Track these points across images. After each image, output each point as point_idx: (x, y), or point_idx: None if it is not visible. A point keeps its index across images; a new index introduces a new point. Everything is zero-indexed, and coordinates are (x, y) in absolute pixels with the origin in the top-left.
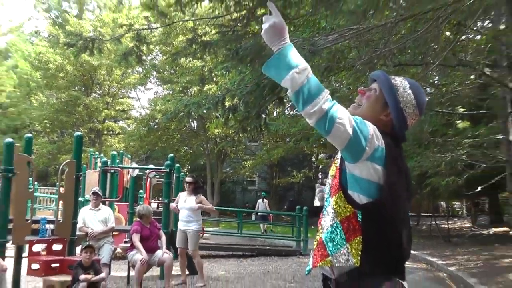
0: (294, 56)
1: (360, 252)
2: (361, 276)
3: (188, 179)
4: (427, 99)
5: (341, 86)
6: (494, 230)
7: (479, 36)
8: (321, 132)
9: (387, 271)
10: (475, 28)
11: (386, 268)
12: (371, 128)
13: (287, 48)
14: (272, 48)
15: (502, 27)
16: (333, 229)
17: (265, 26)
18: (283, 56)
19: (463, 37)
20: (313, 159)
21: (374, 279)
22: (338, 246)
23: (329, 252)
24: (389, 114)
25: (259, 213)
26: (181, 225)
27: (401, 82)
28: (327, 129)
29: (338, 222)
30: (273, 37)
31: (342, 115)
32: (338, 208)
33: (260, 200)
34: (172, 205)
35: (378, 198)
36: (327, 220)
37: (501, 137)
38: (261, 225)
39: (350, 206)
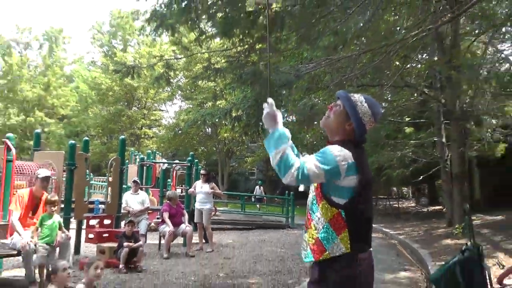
0: (278, 140)
1: (349, 241)
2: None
3: (202, 171)
4: (382, 111)
5: (319, 101)
6: (431, 208)
7: (419, 65)
8: (305, 184)
9: (363, 248)
10: (416, 59)
11: (366, 244)
12: (336, 154)
13: (274, 133)
14: (269, 130)
15: (435, 58)
16: (325, 230)
17: (264, 112)
18: (271, 138)
19: (408, 66)
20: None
21: (349, 255)
22: (331, 242)
23: (326, 248)
24: (351, 123)
25: (256, 197)
26: (197, 205)
27: (358, 98)
28: (306, 180)
29: (327, 223)
30: (269, 123)
31: (309, 166)
32: (325, 212)
33: (257, 187)
34: (191, 190)
35: (355, 197)
36: (319, 223)
37: (436, 139)
38: (257, 205)
39: (334, 208)
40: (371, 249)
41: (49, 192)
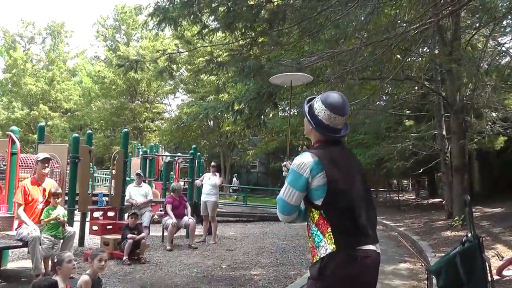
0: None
1: (333, 240)
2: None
3: (213, 163)
4: (384, 104)
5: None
6: (431, 200)
7: (420, 58)
8: (297, 210)
9: (353, 244)
10: (417, 52)
11: (352, 241)
12: (295, 168)
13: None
14: None
15: (436, 51)
16: (315, 233)
17: (286, 173)
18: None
19: (409, 59)
20: (299, 149)
21: (337, 253)
22: (319, 243)
23: (317, 250)
24: (312, 125)
25: (233, 188)
26: (203, 197)
27: (315, 100)
28: (292, 207)
29: (315, 226)
30: None
31: (281, 193)
32: (312, 216)
33: (234, 179)
34: (197, 181)
35: (329, 193)
36: (311, 228)
37: (436, 132)
38: (235, 196)
39: (316, 210)
40: (373, 247)
41: (52, 176)
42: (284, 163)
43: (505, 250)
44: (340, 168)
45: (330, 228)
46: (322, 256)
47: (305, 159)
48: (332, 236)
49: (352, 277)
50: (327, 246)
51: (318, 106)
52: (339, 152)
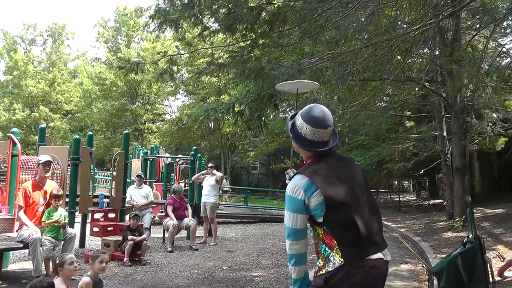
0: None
1: (340, 253)
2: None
3: (210, 164)
4: (384, 105)
5: (321, 95)
6: (432, 201)
7: (421, 59)
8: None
9: (359, 254)
10: (418, 53)
11: (358, 251)
12: (289, 193)
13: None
14: None
15: (437, 53)
16: (323, 249)
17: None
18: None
19: (410, 60)
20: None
21: (348, 265)
22: (327, 257)
23: (327, 264)
24: (296, 143)
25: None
26: (203, 199)
27: (297, 117)
28: (299, 231)
29: (322, 243)
30: None
31: (286, 222)
32: (317, 234)
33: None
34: (194, 177)
35: (328, 209)
36: (319, 246)
37: (437, 133)
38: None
39: (319, 228)
40: (380, 255)
41: (53, 178)
42: (288, 171)
43: (506, 251)
44: (334, 181)
45: (336, 242)
46: (329, 270)
47: (297, 182)
48: (338, 249)
49: (357, 286)
50: (335, 260)
51: (299, 123)
52: (331, 164)
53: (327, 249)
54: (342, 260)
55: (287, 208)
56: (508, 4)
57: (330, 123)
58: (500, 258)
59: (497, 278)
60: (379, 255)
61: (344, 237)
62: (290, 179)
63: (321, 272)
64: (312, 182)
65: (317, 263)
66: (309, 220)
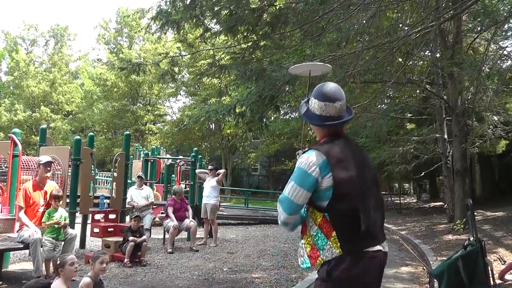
0: None
1: (338, 244)
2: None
3: (210, 166)
4: (385, 107)
5: None
6: (432, 204)
7: (422, 62)
8: (301, 210)
9: (359, 246)
10: (419, 56)
11: (358, 243)
12: (303, 166)
13: None
14: None
15: (438, 55)
16: (317, 235)
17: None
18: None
19: (411, 62)
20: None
21: (344, 256)
22: (323, 246)
23: (320, 253)
24: (313, 126)
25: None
26: (204, 200)
27: (304, 100)
28: (297, 207)
29: (318, 228)
30: None
31: (286, 191)
32: (314, 217)
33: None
34: (197, 170)
35: (334, 196)
36: (311, 229)
37: (438, 135)
38: None
39: (319, 213)
40: (379, 247)
41: (54, 179)
42: (298, 151)
43: (507, 254)
44: (346, 167)
45: (335, 232)
46: (328, 259)
47: (314, 158)
48: (337, 240)
49: (358, 278)
50: (332, 250)
51: (311, 101)
52: (345, 147)
53: (322, 236)
54: (341, 251)
55: (295, 180)
56: (509, 7)
57: (338, 97)
58: (501, 261)
59: (498, 281)
60: (378, 247)
61: (346, 230)
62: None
63: (318, 263)
64: (328, 163)
65: (302, 247)
66: (309, 203)
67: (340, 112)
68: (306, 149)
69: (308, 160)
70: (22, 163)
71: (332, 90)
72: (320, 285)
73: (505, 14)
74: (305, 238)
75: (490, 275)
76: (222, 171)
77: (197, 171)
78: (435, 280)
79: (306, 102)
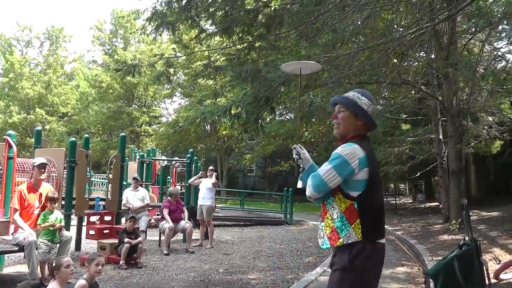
0: (306, 176)
1: (360, 230)
2: (355, 244)
3: (210, 167)
4: (380, 108)
5: (317, 98)
6: (428, 204)
7: (417, 63)
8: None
9: (376, 237)
10: (414, 57)
11: (377, 234)
12: (347, 156)
13: (304, 174)
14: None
15: (433, 56)
16: (340, 219)
17: (295, 154)
18: (304, 176)
19: (406, 63)
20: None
21: (364, 244)
22: (345, 230)
23: (340, 236)
24: (361, 119)
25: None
26: (199, 201)
27: (354, 94)
28: (327, 188)
29: (342, 213)
30: (304, 162)
31: (322, 172)
32: (339, 203)
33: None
34: (191, 180)
35: (367, 189)
36: (334, 213)
37: (433, 136)
38: None
39: (348, 200)
40: (383, 240)
41: (49, 181)
42: (295, 145)
43: (502, 253)
44: (377, 165)
45: (359, 220)
46: (347, 242)
47: (356, 151)
48: (360, 227)
49: (375, 266)
50: (353, 235)
51: (365, 101)
52: (371, 147)
53: (345, 221)
54: (361, 237)
55: (334, 166)
56: (503, 8)
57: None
58: (496, 261)
59: (493, 281)
60: (384, 240)
61: (370, 219)
62: (297, 154)
63: (337, 244)
64: (367, 158)
65: (322, 229)
66: (338, 188)
67: None
68: (302, 146)
69: (351, 152)
70: (17, 165)
71: (372, 97)
72: (341, 273)
73: (499, 15)
74: (325, 221)
75: (486, 275)
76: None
77: (189, 181)
78: (430, 280)
79: (348, 98)
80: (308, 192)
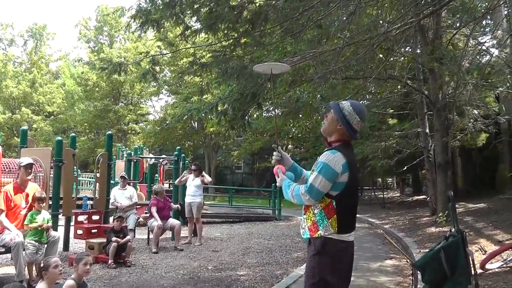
0: (286, 185)
1: (336, 224)
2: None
3: (193, 167)
4: (367, 103)
5: (304, 94)
6: (415, 198)
7: (402, 58)
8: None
9: (349, 230)
10: (400, 52)
11: (350, 229)
12: (333, 165)
13: (283, 182)
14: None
15: (418, 51)
16: (319, 214)
17: (278, 157)
18: (284, 187)
19: (392, 58)
20: (284, 148)
21: (338, 236)
22: (324, 224)
23: (319, 228)
24: (341, 125)
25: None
26: (188, 199)
27: (345, 104)
28: (319, 194)
29: (322, 209)
30: (285, 162)
31: (315, 183)
32: (321, 199)
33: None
34: (177, 181)
35: (345, 190)
36: (315, 208)
37: (420, 130)
38: None
39: (327, 198)
40: (353, 238)
41: (36, 181)
42: (274, 145)
43: (488, 244)
44: (356, 171)
45: (336, 215)
46: (324, 235)
47: (339, 158)
48: (336, 222)
49: (342, 252)
50: (329, 229)
51: (349, 110)
52: (353, 154)
53: (323, 216)
54: (336, 230)
55: (323, 174)
56: (486, 3)
57: (364, 119)
58: (482, 251)
59: (479, 271)
60: (352, 238)
61: (344, 216)
62: (277, 151)
63: (315, 236)
64: (348, 164)
65: (304, 220)
66: None
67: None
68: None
69: (335, 159)
70: (3, 165)
71: (365, 113)
72: (314, 255)
73: (482, 10)
74: (307, 214)
75: (472, 265)
76: (209, 179)
77: (176, 182)
78: (418, 271)
79: (338, 105)
80: (307, 202)
